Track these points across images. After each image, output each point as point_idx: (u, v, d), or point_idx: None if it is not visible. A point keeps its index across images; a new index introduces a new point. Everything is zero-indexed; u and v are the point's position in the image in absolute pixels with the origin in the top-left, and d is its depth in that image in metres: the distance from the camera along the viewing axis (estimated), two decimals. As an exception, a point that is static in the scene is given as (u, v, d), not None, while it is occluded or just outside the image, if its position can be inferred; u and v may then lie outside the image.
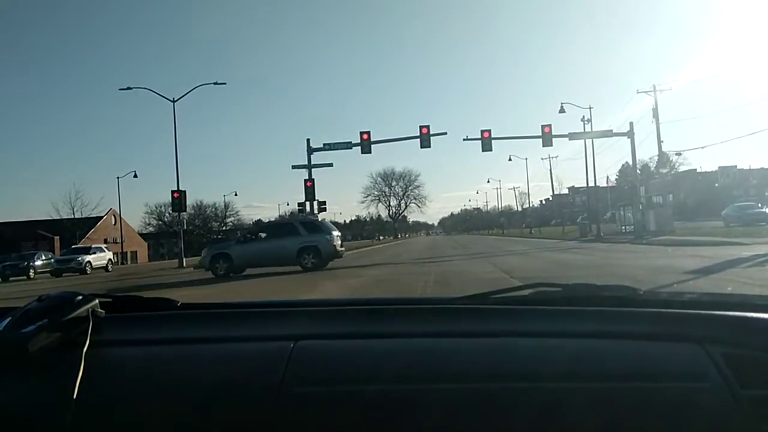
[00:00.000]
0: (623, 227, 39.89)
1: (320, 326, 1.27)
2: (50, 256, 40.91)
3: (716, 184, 74.78)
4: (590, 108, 41.21)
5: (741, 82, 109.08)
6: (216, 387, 1.16)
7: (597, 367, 1.09)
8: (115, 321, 1.32)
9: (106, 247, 41.53)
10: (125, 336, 1.29)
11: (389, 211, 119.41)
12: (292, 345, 1.19)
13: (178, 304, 1.43)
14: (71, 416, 1.12)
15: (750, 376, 1.04)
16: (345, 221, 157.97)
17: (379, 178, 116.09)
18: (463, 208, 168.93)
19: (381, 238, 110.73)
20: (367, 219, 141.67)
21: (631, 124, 35.64)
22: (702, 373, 1.05)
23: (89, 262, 36.17)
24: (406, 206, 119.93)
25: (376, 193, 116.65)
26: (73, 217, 66.10)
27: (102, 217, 72.66)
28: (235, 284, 17.30)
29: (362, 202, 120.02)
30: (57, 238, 64.61)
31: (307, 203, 37.64)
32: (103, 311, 1.31)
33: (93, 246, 41.11)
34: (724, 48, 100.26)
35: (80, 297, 1.29)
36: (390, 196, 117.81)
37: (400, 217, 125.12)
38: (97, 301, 1.31)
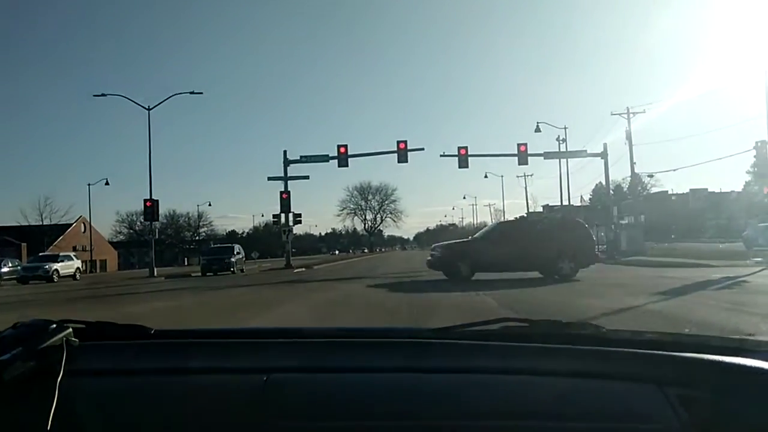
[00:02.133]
0: (596, 247, 40.29)
1: (292, 359, 1.27)
2: (17, 263, 40.11)
3: (689, 206, 76.10)
4: (565, 128, 41.88)
5: (713, 107, 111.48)
6: (188, 421, 1.16)
7: (558, 405, 1.11)
8: (89, 349, 1.31)
9: (74, 255, 40.69)
10: (99, 365, 1.29)
11: (365, 224, 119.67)
12: (264, 378, 1.19)
13: (152, 332, 1.42)
14: None
15: (703, 418, 1.06)
16: (320, 234, 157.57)
17: (355, 192, 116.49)
18: (439, 223, 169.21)
19: (351, 252, 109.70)
20: (343, 232, 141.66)
21: (605, 145, 36.16)
22: (659, 414, 1.08)
23: (56, 270, 35.39)
24: (382, 220, 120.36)
25: (352, 206, 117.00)
26: (41, 223, 64.97)
27: (71, 224, 71.45)
28: (206, 296, 17.02)
29: (338, 215, 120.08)
30: (24, 245, 63.30)
31: (283, 215, 37.47)
32: (77, 340, 1.29)
33: (61, 254, 40.22)
34: (697, 73, 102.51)
35: (54, 325, 1.27)
36: (366, 209, 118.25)
37: (375, 231, 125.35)
38: (71, 329, 1.29)
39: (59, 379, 1.18)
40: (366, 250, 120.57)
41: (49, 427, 1.12)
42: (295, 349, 1.32)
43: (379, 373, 1.21)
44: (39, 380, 1.18)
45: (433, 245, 21.29)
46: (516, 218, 34.36)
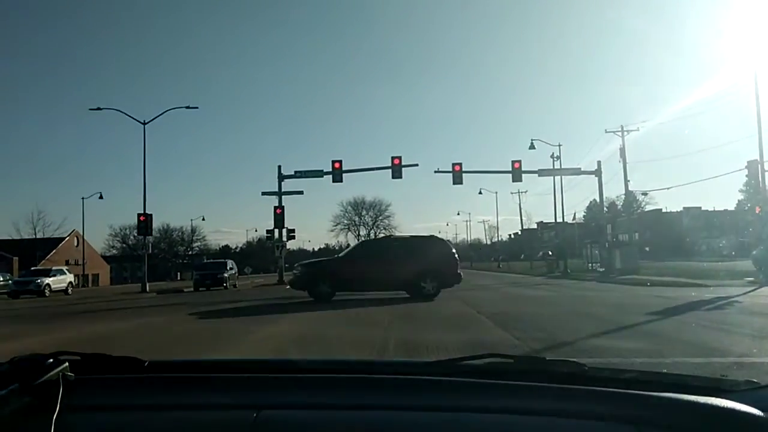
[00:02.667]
0: (590, 264, 40.35)
1: (282, 395, 1.28)
2: (8, 277, 39.95)
3: (683, 224, 76.42)
4: (560, 145, 42.02)
5: (708, 126, 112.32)
6: None
7: None
8: (84, 384, 1.32)
9: (66, 270, 40.39)
10: (94, 401, 1.30)
11: (358, 240, 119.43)
12: (254, 415, 1.19)
13: (146, 364, 1.44)
14: None
15: None
16: (314, 249, 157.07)
17: (349, 207, 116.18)
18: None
19: None
20: (336, 247, 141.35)
21: (599, 163, 36.38)
22: None
23: (48, 284, 35.13)
24: (375, 235, 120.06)
25: (345, 221, 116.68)
26: (34, 237, 64.63)
27: (64, 238, 71.13)
28: (196, 313, 16.94)
29: (332, 231, 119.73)
30: (16, 258, 62.94)
31: (276, 230, 37.40)
32: (73, 374, 1.30)
33: (53, 268, 39.95)
34: (692, 92, 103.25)
35: (51, 360, 1.28)
36: (360, 225, 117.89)
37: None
38: (67, 363, 1.30)
39: (55, 416, 1.18)
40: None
41: None
42: (286, 384, 1.33)
43: (370, 411, 1.22)
44: (35, 416, 1.18)
45: (296, 264, 21.27)
46: (381, 237, 34.64)
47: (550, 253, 48.86)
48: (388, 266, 18.78)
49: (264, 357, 1.74)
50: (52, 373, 1.24)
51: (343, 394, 1.28)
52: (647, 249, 37.82)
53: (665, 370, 1.35)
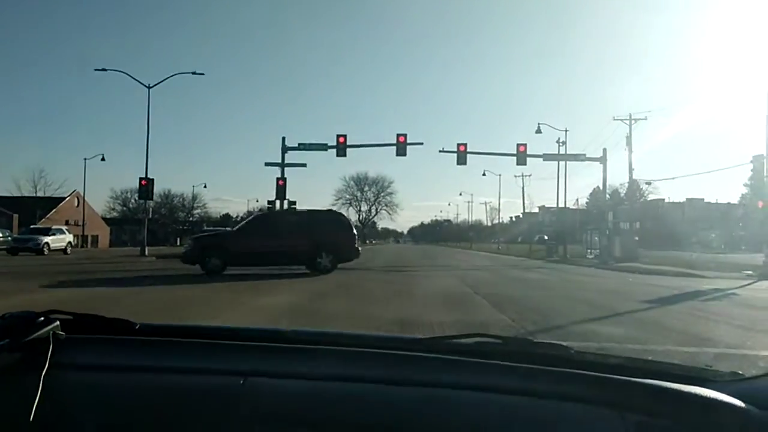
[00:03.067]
0: (589, 250, 40.39)
1: (270, 364, 1.29)
2: (8, 233, 39.97)
3: (685, 216, 76.33)
4: (566, 131, 41.79)
5: (714, 119, 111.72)
6: (164, 421, 1.19)
7: (518, 425, 1.14)
8: (74, 343, 1.33)
9: (66, 229, 40.51)
10: (83, 360, 1.31)
11: (359, 216, 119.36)
12: (241, 381, 1.21)
13: (137, 327, 1.45)
14: None
15: None
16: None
17: (351, 182, 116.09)
18: (434, 218, 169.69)
19: None
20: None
21: (604, 150, 36.13)
22: None
23: (47, 243, 35.26)
24: (376, 212, 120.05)
25: (347, 196, 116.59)
26: (35, 195, 64.65)
27: (65, 198, 71.15)
28: (196, 278, 17.02)
29: (333, 205, 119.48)
30: (16, 216, 63.02)
31: (278, 201, 37.35)
32: (64, 333, 1.31)
33: (53, 227, 40.06)
34: (700, 84, 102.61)
35: (42, 318, 1.29)
36: (361, 200, 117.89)
37: (369, 223, 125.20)
38: (58, 322, 1.31)
39: (44, 372, 1.19)
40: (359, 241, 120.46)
41: (31, 419, 1.14)
42: (274, 353, 1.34)
43: (356, 383, 1.23)
44: (24, 372, 1.20)
45: (188, 237, 21.03)
46: (276, 210, 34.06)
47: (546, 237, 48.71)
48: (283, 240, 18.44)
49: (253, 326, 1.74)
50: (42, 331, 1.25)
51: (329, 366, 1.28)
52: (636, 238, 37.49)
53: (651, 358, 1.34)
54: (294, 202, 38.82)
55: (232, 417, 1.17)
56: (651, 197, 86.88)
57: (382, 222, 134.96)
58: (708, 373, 1.28)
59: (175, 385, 1.25)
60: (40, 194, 65.28)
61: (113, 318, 1.47)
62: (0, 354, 1.19)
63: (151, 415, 1.20)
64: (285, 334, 1.49)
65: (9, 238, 37.67)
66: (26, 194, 64.51)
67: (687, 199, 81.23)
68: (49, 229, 38.83)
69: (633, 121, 35.58)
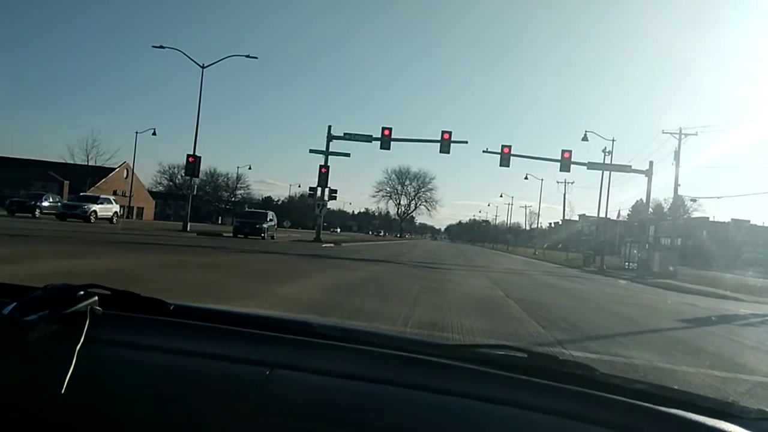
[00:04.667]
0: (627, 263, 39.73)
1: (296, 357, 1.30)
2: (58, 199, 41.17)
3: (729, 236, 74.26)
4: (613, 141, 41.13)
5: (765, 140, 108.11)
6: (189, 404, 1.21)
7: None
8: (109, 319, 1.36)
9: (113, 199, 41.51)
10: (116, 337, 1.34)
11: (398, 209, 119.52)
12: (267, 372, 1.23)
13: (171, 308, 1.48)
14: (57, 411, 1.18)
15: None
16: (353, 212, 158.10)
17: (393, 175, 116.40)
18: (472, 218, 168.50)
19: (372, 233, 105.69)
20: (376, 213, 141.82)
21: (651, 163, 35.51)
22: None
23: (95, 211, 36.24)
24: (416, 207, 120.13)
25: (388, 189, 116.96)
26: (86, 164, 66.38)
27: (115, 168, 73.01)
28: (233, 258, 17.39)
29: (373, 196, 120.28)
30: (67, 182, 64.98)
31: (319, 189, 37.75)
32: (101, 309, 1.35)
33: (101, 196, 41.09)
34: (756, 102, 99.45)
35: (82, 292, 1.33)
36: (402, 194, 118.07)
37: (408, 217, 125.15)
38: (96, 297, 1.36)
39: (79, 346, 1.23)
40: (397, 235, 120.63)
41: (63, 391, 1.17)
42: (301, 346, 1.36)
43: (379, 385, 1.24)
44: (60, 344, 1.23)
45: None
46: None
47: (591, 252, 47.82)
48: None
49: (283, 315, 1.81)
50: (81, 305, 1.30)
51: (354, 364, 1.29)
52: (676, 255, 36.42)
53: (677, 387, 1.33)
54: (335, 191, 39.26)
55: (255, 406, 1.18)
56: (695, 215, 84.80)
57: (421, 217, 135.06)
58: (734, 408, 1.25)
59: (202, 370, 1.27)
60: (91, 163, 66.84)
61: (149, 297, 1.51)
62: (39, 324, 1.21)
63: (177, 397, 1.22)
64: (313, 327, 1.52)
65: (59, 204, 38.85)
66: (78, 162, 66.23)
67: (732, 219, 78.96)
68: (98, 197, 39.86)
69: (683, 136, 34.81)
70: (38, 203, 37.22)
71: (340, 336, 1.46)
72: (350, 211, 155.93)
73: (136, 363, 1.29)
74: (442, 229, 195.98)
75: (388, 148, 36.08)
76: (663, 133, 35.81)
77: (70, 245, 16.37)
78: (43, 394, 1.19)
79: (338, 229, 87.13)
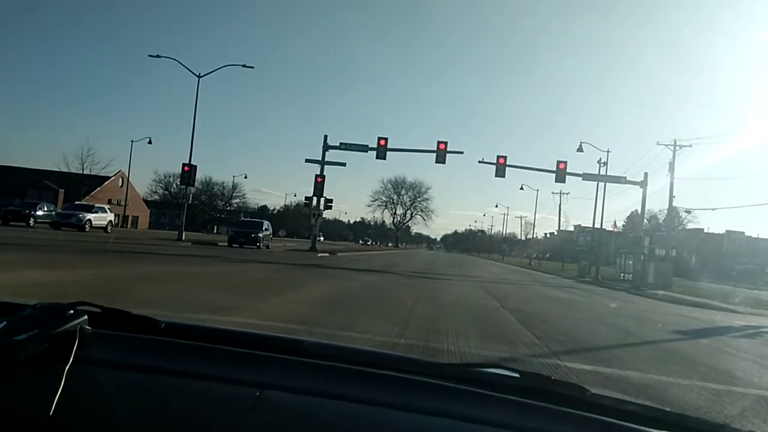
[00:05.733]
0: (622, 274, 39.79)
1: (287, 378, 1.29)
2: (52, 207, 41.01)
3: (723, 248, 74.48)
4: (608, 152, 41.23)
5: (761, 150, 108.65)
6: (179, 426, 1.19)
7: None
8: (99, 338, 1.35)
9: (108, 208, 41.44)
10: (106, 357, 1.32)
11: (394, 218, 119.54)
12: (257, 393, 1.22)
13: (162, 326, 1.47)
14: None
15: None
16: (349, 221, 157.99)
17: (389, 185, 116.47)
18: (468, 228, 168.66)
19: (365, 243, 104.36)
20: (371, 223, 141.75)
21: (646, 174, 35.65)
22: None
23: (89, 220, 36.12)
24: (411, 216, 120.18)
25: (384, 198, 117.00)
26: (81, 172, 66.28)
27: (110, 177, 72.86)
28: (227, 267, 17.37)
29: (369, 206, 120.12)
30: (62, 191, 64.75)
31: (315, 198, 37.77)
32: (90, 328, 1.34)
33: (96, 205, 41.02)
34: (750, 115, 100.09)
35: (72, 311, 1.32)
36: (397, 204, 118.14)
37: (403, 227, 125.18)
38: (86, 316, 1.34)
39: (67, 367, 1.21)
40: (390, 245, 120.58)
41: (51, 413, 1.15)
42: (292, 366, 1.35)
43: (371, 406, 1.23)
44: (48, 364, 1.21)
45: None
46: None
47: (586, 263, 47.73)
48: None
49: (274, 333, 1.79)
50: (70, 324, 1.28)
51: (346, 385, 1.29)
52: (671, 266, 36.51)
53: (668, 408, 1.31)
54: (331, 200, 39.25)
55: (246, 428, 1.17)
56: (690, 226, 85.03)
57: (416, 227, 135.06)
58: (726, 430, 1.26)
59: (193, 391, 1.26)
60: (86, 172, 66.78)
61: (140, 315, 1.49)
62: (28, 344, 1.19)
63: (167, 419, 1.20)
64: (304, 346, 1.50)
65: (53, 212, 38.72)
66: (73, 170, 66.13)
67: (727, 231, 79.28)
68: (93, 206, 39.74)
69: (678, 148, 34.97)
70: (32, 212, 37.04)
71: (331, 355, 1.45)
72: (346, 220, 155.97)
73: (125, 384, 1.27)
74: (438, 239, 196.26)
75: (384, 158, 36.17)
76: (658, 144, 36.00)
77: (56, 254, 16.31)
78: (32, 416, 1.17)
79: (321, 237, 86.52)
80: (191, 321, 6.81)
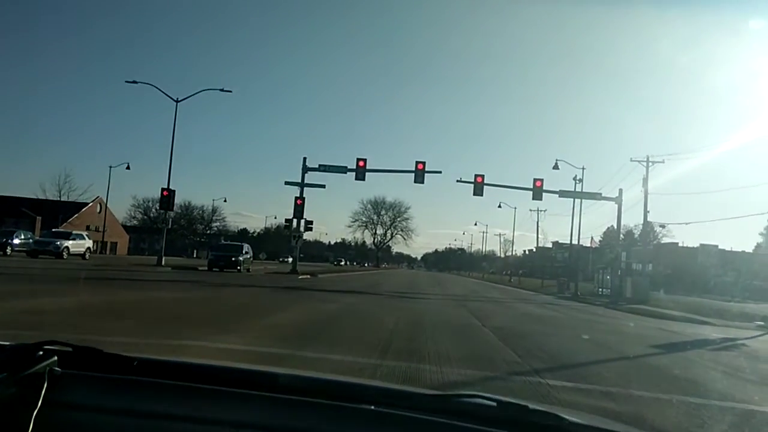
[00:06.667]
0: (600, 289, 40.14)
1: (262, 416, 1.28)
2: (30, 235, 40.42)
3: (698, 261, 75.45)
4: (583, 169, 41.81)
5: (733, 166, 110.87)
6: None
7: None
8: (69, 380, 1.32)
9: (86, 235, 41.03)
10: (77, 400, 1.29)
11: (374, 239, 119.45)
12: None
13: (135, 363, 1.44)
14: None
15: None
16: (330, 242, 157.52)
17: (369, 205, 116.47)
18: (448, 246, 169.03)
19: (338, 263, 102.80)
20: (352, 244, 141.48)
21: (620, 190, 36.14)
22: None
23: (67, 247, 35.73)
24: (392, 236, 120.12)
25: (364, 219, 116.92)
26: (59, 199, 65.47)
27: (88, 203, 72.05)
28: (208, 293, 17.24)
29: (349, 227, 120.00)
30: (39, 218, 63.86)
31: (295, 220, 37.69)
32: (59, 369, 1.31)
33: (74, 232, 40.54)
34: (720, 131, 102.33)
35: (41, 352, 1.29)
36: (377, 224, 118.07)
37: (384, 247, 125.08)
38: (55, 357, 1.31)
39: (36, 411, 1.17)
40: (368, 264, 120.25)
41: None
42: (267, 403, 1.34)
43: None
44: (17, 409, 1.17)
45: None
46: None
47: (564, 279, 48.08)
48: None
49: (248, 366, 1.78)
50: (39, 366, 1.25)
51: (324, 423, 1.28)
52: (648, 280, 36.93)
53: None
54: (311, 222, 39.19)
55: None
56: (665, 240, 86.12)
57: (397, 246, 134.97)
58: None
59: None
60: (64, 198, 66.00)
61: (112, 353, 1.45)
62: None
63: None
64: (281, 380, 1.49)
65: (30, 240, 38.18)
66: (51, 197, 65.30)
67: (701, 244, 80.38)
68: (70, 233, 39.30)
69: (650, 164, 35.57)
70: (9, 240, 36.46)
71: (309, 389, 1.43)
72: (327, 241, 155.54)
73: (96, 428, 1.24)
74: (419, 258, 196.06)
75: (363, 179, 36.32)
76: (631, 161, 36.61)
77: (30, 284, 16.10)
78: None
79: (289, 259, 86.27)
80: (168, 348, 6.78)
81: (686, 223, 66.21)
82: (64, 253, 35.03)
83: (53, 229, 43.55)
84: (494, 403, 1.39)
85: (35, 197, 66.08)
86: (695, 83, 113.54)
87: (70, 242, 36.55)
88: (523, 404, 1.42)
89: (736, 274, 55.81)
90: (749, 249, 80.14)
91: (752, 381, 8.85)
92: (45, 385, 1.23)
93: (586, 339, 12.72)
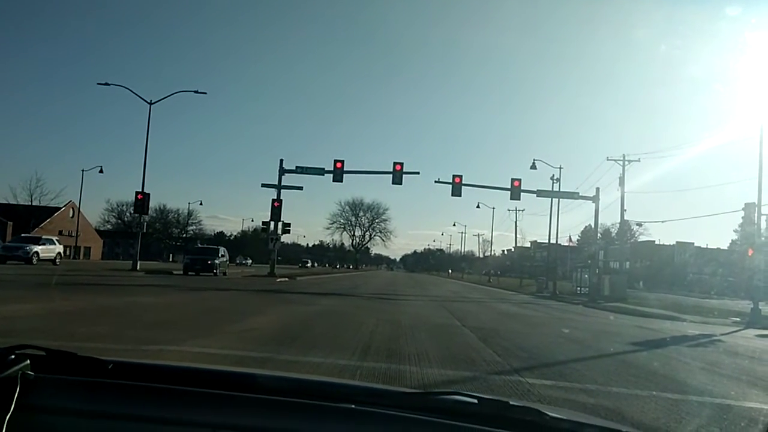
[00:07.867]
0: (578, 288, 40.48)
1: (241, 417, 1.26)
2: (-2, 242, 39.68)
3: (674, 258, 76.58)
4: (560, 168, 42.14)
5: (709, 164, 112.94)
6: None
7: None
8: (43, 384, 1.29)
9: (57, 240, 40.22)
10: (51, 403, 1.27)
11: (353, 240, 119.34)
12: None
13: (110, 366, 1.41)
14: None
15: None
16: (308, 245, 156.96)
17: (347, 207, 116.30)
18: (427, 247, 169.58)
19: (304, 265, 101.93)
20: (330, 246, 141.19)
21: (597, 189, 36.53)
22: None
23: (37, 252, 35.00)
24: (370, 238, 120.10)
25: (342, 221, 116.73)
26: (30, 204, 64.39)
27: (60, 208, 70.94)
28: (184, 297, 16.99)
29: (327, 228, 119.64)
30: (10, 224, 62.67)
31: (272, 223, 37.44)
32: (32, 373, 1.28)
33: (43, 237, 39.78)
34: (695, 130, 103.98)
35: (13, 356, 1.26)
36: (356, 226, 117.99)
37: (363, 248, 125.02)
38: (28, 361, 1.29)
39: (8, 416, 1.16)
40: (346, 266, 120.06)
41: None
42: (245, 404, 1.32)
43: None
44: None
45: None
46: None
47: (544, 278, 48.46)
48: None
49: (226, 368, 1.73)
50: (11, 370, 1.23)
51: (303, 422, 1.26)
52: (626, 278, 37.48)
53: (626, 430, 1.31)
54: (288, 224, 38.96)
55: None
56: (642, 238, 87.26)
57: (376, 248, 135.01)
58: None
59: None
60: (35, 203, 65.01)
61: (86, 356, 1.42)
62: None
63: None
64: (258, 380, 1.47)
65: (-1, 246, 37.41)
66: (22, 202, 64.19)
67: (677, 242, 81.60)
68: (40, 238, 38.53)
69: (627, 163, 35.97)
70: (-24, 247, 35.73)
71: (287, 389, 1.42)
72: (304, 244, 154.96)
73: (71, 431, 1.22)
74: (398, 260, 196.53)
75: (341, 181, 36.19)
76: (608, 160, 36.99)
77: None
78: None
79: (249, 260, 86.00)
80: (144, 354, 6.62)
81: (663, 221, 67.38)
82: (33, 259, 34.31)
83: (22, 234, 42.77)
84: (475, 400, 1.39)
85: (6, 202, 64.93)
86: (672, 77, 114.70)
87: (40, 247, 35.81)
88: (503, 400, 1.42)
89: (712, 271, 56.82)
90: (725, 246, 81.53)
91: (729, 376, 8.93)
92: (18, 389, 1.20)
93: (565, 337, 12.75)
